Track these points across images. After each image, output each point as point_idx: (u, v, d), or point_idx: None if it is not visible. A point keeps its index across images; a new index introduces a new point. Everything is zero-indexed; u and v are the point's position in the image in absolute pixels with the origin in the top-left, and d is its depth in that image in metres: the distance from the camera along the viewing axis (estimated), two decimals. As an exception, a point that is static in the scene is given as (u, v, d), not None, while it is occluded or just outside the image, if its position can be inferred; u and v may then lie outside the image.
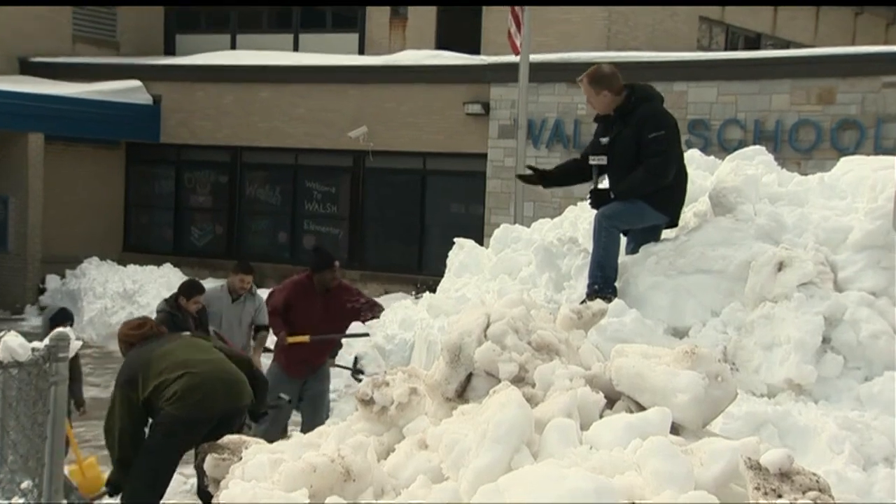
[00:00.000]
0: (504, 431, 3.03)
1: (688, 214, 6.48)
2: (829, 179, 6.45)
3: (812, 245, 5.70)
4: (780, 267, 5.52)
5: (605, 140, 6.26)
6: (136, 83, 19.78)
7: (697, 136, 14.82)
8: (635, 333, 5.46)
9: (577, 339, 3.89)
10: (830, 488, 2.81)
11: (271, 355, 9.03)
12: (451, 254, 8.25)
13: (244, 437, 4.06)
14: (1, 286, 18.32)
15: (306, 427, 8.24)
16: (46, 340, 4.86)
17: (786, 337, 5.23)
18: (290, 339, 8.45)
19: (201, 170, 20.19)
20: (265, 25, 22.23)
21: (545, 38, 17.06)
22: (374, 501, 3.20)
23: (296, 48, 21.28)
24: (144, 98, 19.80)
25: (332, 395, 9.55)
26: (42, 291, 18.23)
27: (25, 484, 4.78)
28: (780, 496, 2.71)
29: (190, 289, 9.14)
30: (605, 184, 6.46)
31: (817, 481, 2.79)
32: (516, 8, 13.31)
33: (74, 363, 7.77)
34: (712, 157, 7.46)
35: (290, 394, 8.15)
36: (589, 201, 6.36)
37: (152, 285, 16.19)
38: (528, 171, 7.12)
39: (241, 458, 3.61)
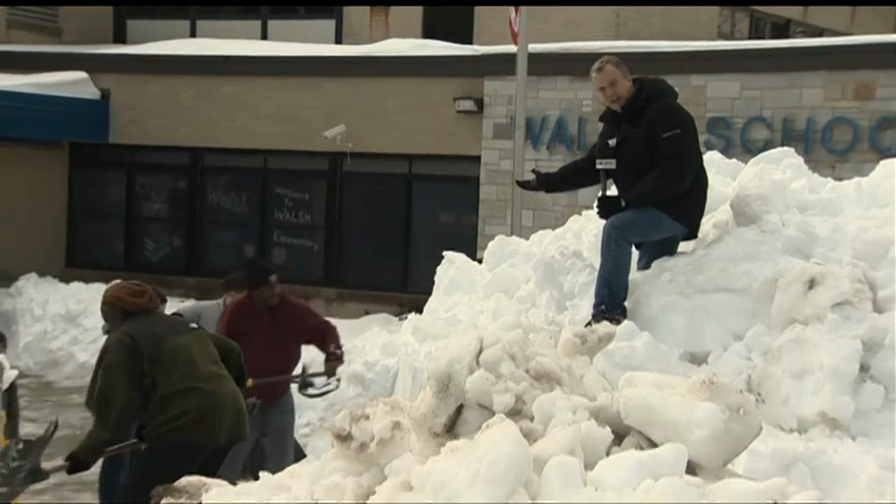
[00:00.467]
0: (499, 471, 3.04)
1: (707, 225, 6.51)
2: (867, 185, 6.50)
3: (848, 260, 5.73)
4: (812, 284, 5.55)
5: (612, 142, 6.29)
6: (82, 75, 19.73)
7: (718, 136, 14.87)
8: (647, 360, 5.48)
9: (581, 366, 3.90)
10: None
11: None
12: (439, 269, 8.28)
13: (203, 479, 4.06)
14: (-78, 308, 18.24)
15: (274, 466, 8.22)
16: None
17: (818, 364, 5.25)
18: None
19: (156, 174, 20.18)
20: (229, 10, 22.26)
21: (547, 26, 17.11)
22: (352, 551, 3.20)
23: (264, 36, 21.32)
24: (91, 92, 19.75)
25: (304, 430, 9.55)
26: (-30, 314, 18.17)
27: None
28: (810, 544, 2.72)
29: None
30: (614, 190, 6.50)
31: (853, 528, 2.80)
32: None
33: (11, 395, 7.74)
34: (734, 160, 7.51)
35: (251, 430, 8.13)
36: (597, 210, 6.39)
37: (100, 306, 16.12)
38: (530, 176, 7.15)
39: (200, 503, 3.61)
